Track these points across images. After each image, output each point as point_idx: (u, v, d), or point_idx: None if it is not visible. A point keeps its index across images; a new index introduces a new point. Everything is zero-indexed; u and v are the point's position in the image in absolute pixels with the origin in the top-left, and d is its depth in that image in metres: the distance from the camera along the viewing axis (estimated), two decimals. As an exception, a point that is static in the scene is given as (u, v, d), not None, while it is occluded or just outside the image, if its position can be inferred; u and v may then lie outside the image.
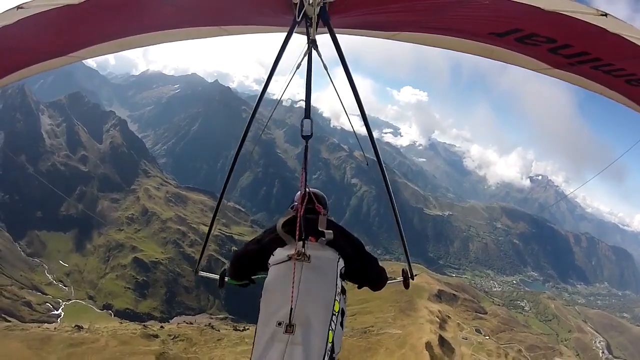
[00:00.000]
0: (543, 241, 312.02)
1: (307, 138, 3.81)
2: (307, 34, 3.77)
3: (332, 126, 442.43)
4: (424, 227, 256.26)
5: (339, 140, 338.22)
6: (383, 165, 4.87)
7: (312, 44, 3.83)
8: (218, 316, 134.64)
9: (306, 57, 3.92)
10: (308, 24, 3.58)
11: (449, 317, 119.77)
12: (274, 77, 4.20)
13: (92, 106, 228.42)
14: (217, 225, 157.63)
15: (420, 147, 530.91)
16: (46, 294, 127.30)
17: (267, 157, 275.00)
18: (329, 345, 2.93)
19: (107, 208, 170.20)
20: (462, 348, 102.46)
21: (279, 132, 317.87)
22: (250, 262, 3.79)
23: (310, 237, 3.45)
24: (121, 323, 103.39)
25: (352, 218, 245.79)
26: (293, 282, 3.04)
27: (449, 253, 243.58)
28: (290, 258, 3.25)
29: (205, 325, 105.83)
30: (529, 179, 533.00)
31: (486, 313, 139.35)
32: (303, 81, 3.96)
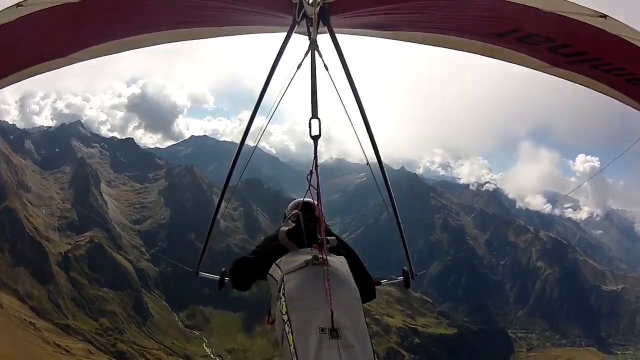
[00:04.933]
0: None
1: (315, 138, 3.87)
2: (308, 34, 3.86)
3: (517, 207, 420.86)
4: (600, 305, 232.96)
5: (524, 221, 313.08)
6: (388, 180, 5.14)
7: (313, 44, 3.90)
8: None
9: (309, 58, 3.99)
10: (308, 24, 3.68)
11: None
12: (275, 78, 4.41)
13: (273, 193, 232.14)
14: (402, 317, 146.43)
15: (598, 219, 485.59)
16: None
17: (457, 245, 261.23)
18: (374, 352, 2.95)
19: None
20: None
21: (467, 218, 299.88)
22: (249, 271, 3.90)
23: (313, 245, 3.55)
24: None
25: (535, 303, 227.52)
26: (329, 287, 3.01)
27: (618, 330, 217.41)
28: (307, 264, 3.27)
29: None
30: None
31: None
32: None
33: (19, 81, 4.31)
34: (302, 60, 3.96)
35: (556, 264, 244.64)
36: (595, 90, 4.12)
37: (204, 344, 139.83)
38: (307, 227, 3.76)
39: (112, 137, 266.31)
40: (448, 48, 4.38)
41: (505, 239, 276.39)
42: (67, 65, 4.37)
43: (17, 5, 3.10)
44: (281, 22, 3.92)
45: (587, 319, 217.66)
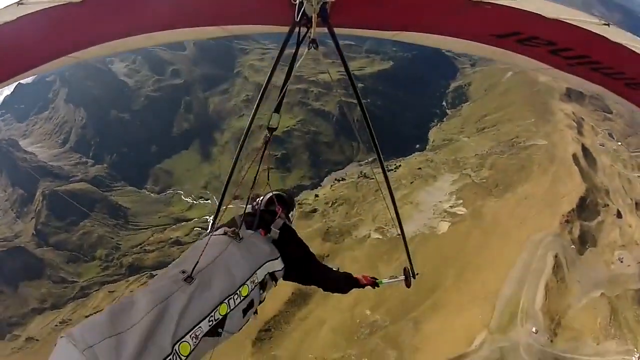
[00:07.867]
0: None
1: (271, 130, 4.16)
2: (307, 33, 3.84)
3: None
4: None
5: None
6: (388, 175, 5.29)
7: (312, 43, 3.91)
8: (366, 160, 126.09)
9: (304, 54, 4.04)
10: (305, 22, 3.66)
11: (583, 119, 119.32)
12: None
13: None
14: (335, 68, 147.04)
15: None
16: (190, 219, 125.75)
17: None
18: (218, 315, 3.13)
19: (220, 102, 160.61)
20: (602, 158, 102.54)
21: None
22: None
23: (261, 230, 4.01)
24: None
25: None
26: (206, 246, 3.42)
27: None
28: (225, 233, 3.73)
29: (359, 176, 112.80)
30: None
31: (612, 113, 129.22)
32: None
33: (18, 81, 4.35)
34: (301, 59, 4.00)
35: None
36: (593, 90, 4.21)
37: (182, 197, 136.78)
38: (262, 216, 4.22)
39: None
40: (447, 48, 4.63)
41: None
42: (68, 64, 4.35)
43: (18, 3, 3.05)
44: (281, 21, 3.94)
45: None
